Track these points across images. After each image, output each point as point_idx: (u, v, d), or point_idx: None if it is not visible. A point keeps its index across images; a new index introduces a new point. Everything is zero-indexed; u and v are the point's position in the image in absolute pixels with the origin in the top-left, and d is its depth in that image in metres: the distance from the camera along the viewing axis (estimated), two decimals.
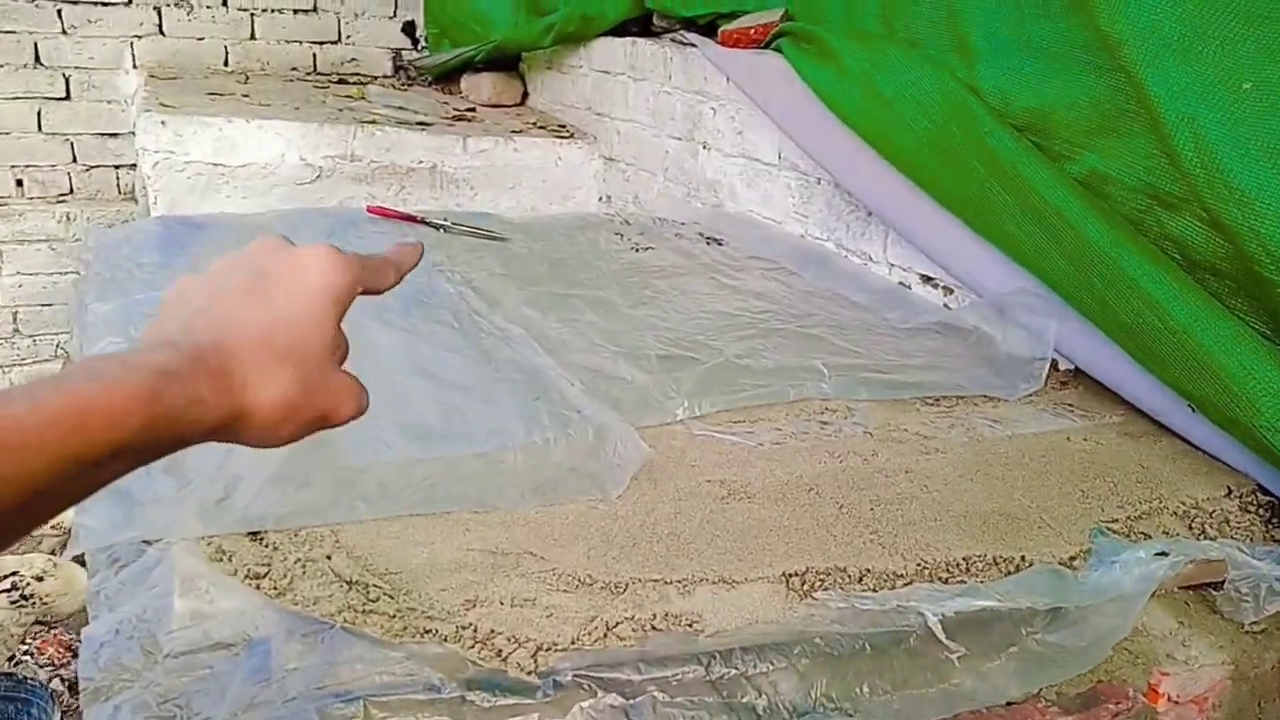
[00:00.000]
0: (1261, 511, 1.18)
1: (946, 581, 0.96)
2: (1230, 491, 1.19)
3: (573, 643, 0.82)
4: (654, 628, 0.85)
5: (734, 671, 0.84)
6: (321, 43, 3.94)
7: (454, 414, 1.20)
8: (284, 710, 0.73)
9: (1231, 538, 1.11)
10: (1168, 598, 1.07)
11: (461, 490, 1.03)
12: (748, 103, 2.24)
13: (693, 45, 2.45)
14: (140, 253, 1.81)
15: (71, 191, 3.72)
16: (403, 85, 3.91)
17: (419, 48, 4.09)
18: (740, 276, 1.91)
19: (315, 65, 3.94)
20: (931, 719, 0.87)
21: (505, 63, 3.66)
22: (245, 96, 3.18)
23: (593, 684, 0.79)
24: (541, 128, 3.21)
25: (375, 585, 0.84)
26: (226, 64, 3.80)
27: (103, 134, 3.71)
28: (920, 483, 1.15)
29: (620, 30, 2.91)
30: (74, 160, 3.70)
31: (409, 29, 4.05)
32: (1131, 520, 1.11)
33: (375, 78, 3.99)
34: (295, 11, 3.85)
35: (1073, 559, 1.02)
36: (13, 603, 2.64)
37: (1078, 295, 1.40)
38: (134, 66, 3.66)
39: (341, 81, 3.80)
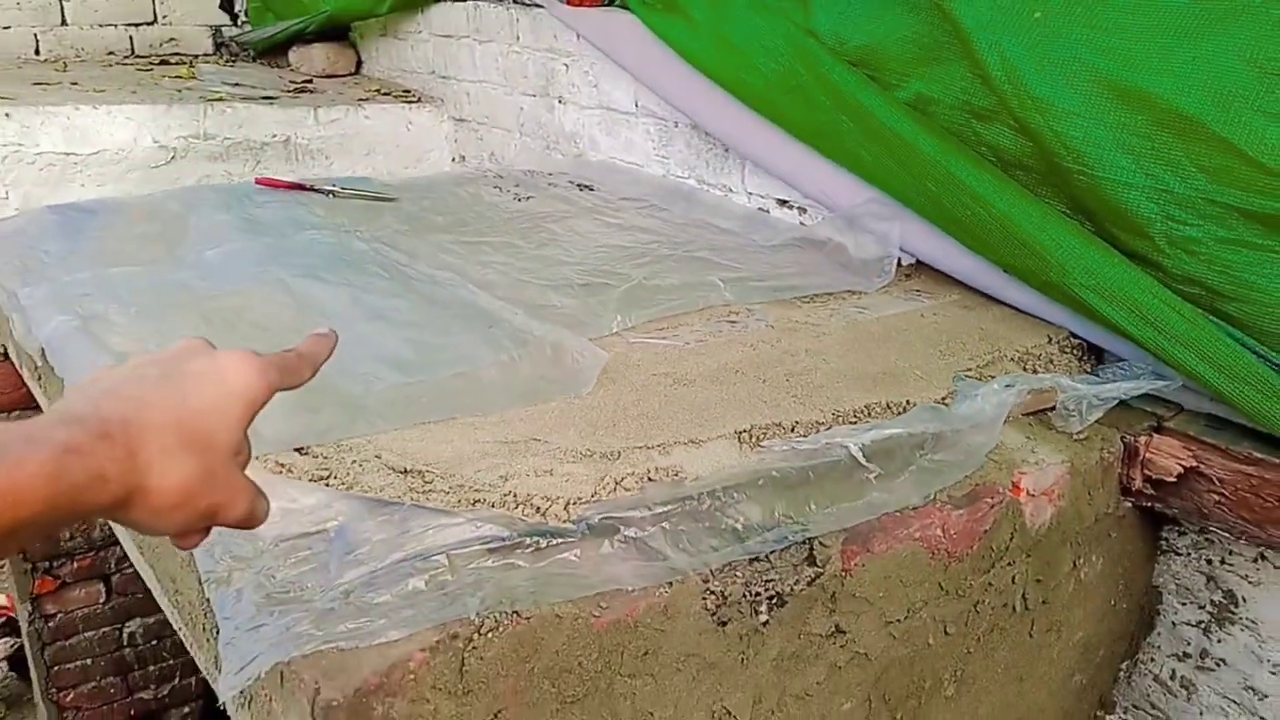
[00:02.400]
0: (1076, 351, 1.51)
1: (856, 423, 1.22)
2: (1050, 339, 1.51)
3: (592, 496, 1.02)
4: (649, 479, 1.06)
5: (714, 504, 1.06)
6: (137, 24, 3.85)
7: (421, 347, 1.36)
8: (382, 572, 0.90)
9: (1056, 372, 1.43)
10: (1016, 421, 1.37)
11: (456, 402, 1.21)
12: (600, 57, 2.44)
13: (539, 6, 2.62)
14: (42, 241, 1.84)
15: None
16: (227, 62, 3.87)
17: (239, 23, 4.05)
18: (619, 215, 2.13)
19: (133, 48, 3.85)
20: (860, 522, 1.13)
21: (336, 33, 3.69)
22: (75, 84, 3.11)
23: (615, 522, 1.00)
24: (386, 94, 3.29)
25: (426, 472, 1.02)
26: (38, 52, 3.67)
27: None
28: (818, 357, 1.41)
29: None
30: None
31: (227, 5, 4.00)
32: (980, 368, 1.40)
33: (196, 57, 3.93)
34: None
35: (944, 398, 1.31)
36: None
37: (915, 200, 1.69)
38: None
39: (164, 63, 3.73)
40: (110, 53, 3.80)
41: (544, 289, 1.60)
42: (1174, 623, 1.57)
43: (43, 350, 1.45)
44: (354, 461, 1.03)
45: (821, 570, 1.09)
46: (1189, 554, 1.54)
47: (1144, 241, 1.38)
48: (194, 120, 2.80)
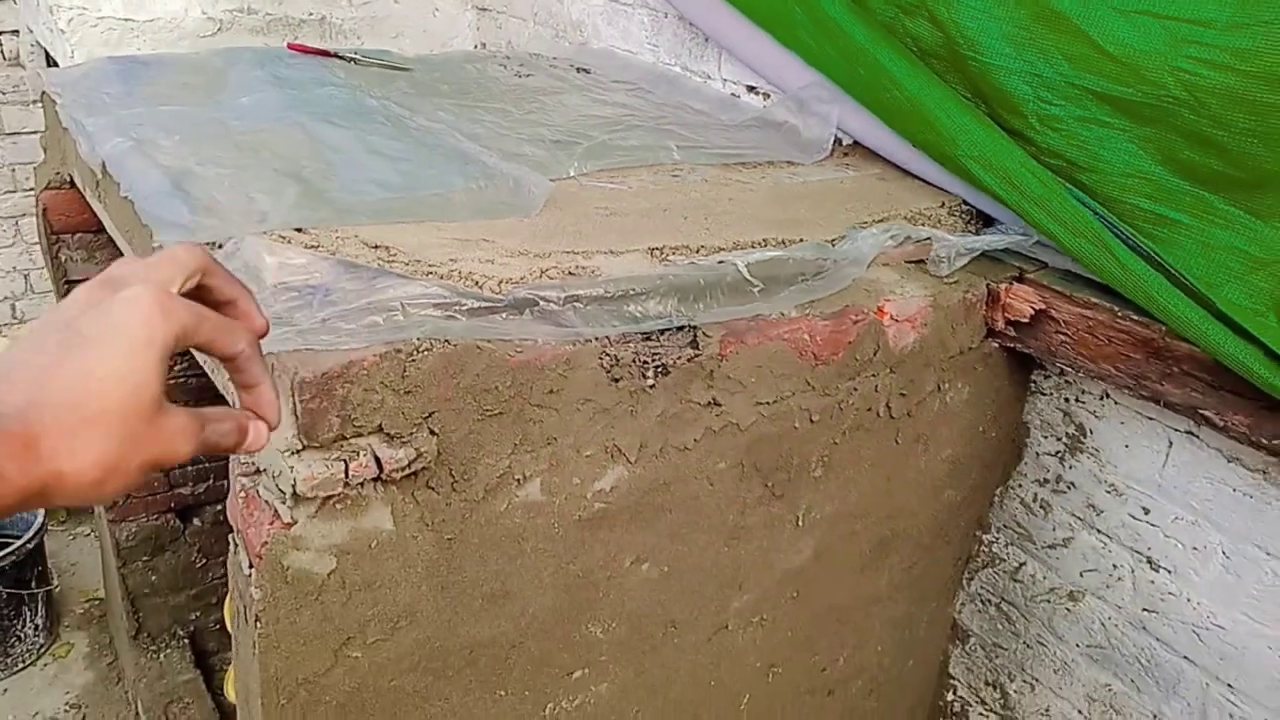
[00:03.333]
0: (964, 216, 1.77)
1: (752, 251, 1.50)
2: (944, 205, 1.77)
3: (521, 279, 1.32)
4: (570, 273, 1.36)
5: (619, 294, 1.35)
6: None
7: (407, 175, 1.65)
8: (352, 310, 1.21)
9: (940, 230, 1.69)
10: (896, 265, 1.64)
11: (427, 212, 1.50)
12: None
13: None
14: (103, 84, 2.14)
15: None
16: None
17: None
18: (606, 94, 2.39)
19: None
20: (738, 320, 1.41)
21: None
22: None
23: (536, 298, 1.29)
24: None
25: (392, 249, 1.31)
26: None
27: None
28: (739, 205, 1.68)
29: None
30: None
31: None
32: (875, 221, 1.67)
33: None
34: None
35: (833, 241, 1.58)
36: None
37: (850, 84, 1.94)
38: None
39: None
40: None
41: (520, 142, 1.88)
42: (1038, 453, 1.86)
43: (103, 164, 1.76)
44: (337, 238, 1.33)
45: (700, 353, 1.38)
46: (1051, 394, 1.81)
47: (1019, 119, 1.63)
48: None
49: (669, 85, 2.48)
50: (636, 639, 1.57)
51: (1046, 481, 1.85)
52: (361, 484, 1.17)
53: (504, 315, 1.27)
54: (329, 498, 1.16)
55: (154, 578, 2.64)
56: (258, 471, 1.19)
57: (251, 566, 1.19)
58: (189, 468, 2.63)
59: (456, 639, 1.36)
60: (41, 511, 2.97)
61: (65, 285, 2.30)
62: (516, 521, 1.33)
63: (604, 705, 1.59)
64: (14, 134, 3.99)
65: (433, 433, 1.20)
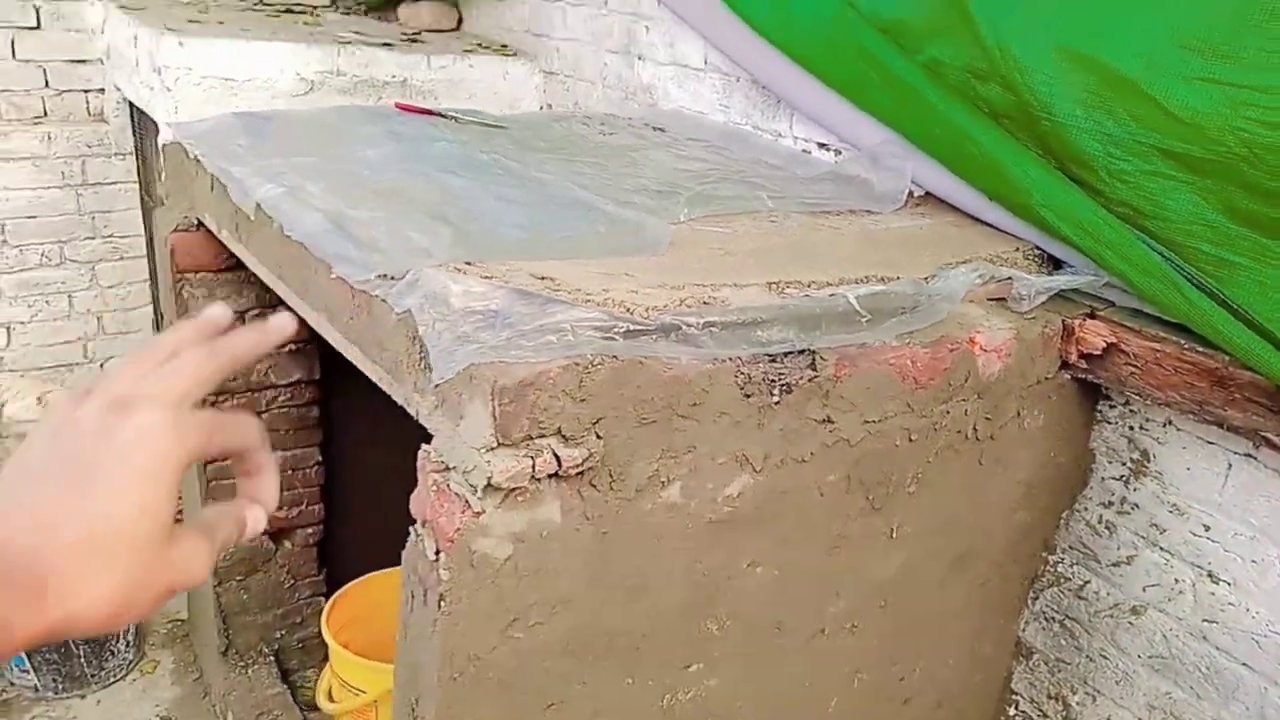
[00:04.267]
0: (1037, 259, 1.96)
1: (857, 285, 1.68)
2: (1018, 249, 1.96)
3: (664, 307, 1.49)
4: (704, 303, 1.54)
5: (751, 321, 1.53)
6: None
7: (540, 219, 1.85)
8: (529, 330, 1.38)
9: (1017, 271, 1.88)
10: (982, 302, 1.82)
11: (567, 250, 1.69)
12: (677, 21, 2.90)
13: None
14: (233, 137, 2.35)
15: (45, 114, 4.08)
16: (343, 13, 4.38)
17: None
18: (685, 150, 2.59)
19: None
20: (850, 345, 1.59)
21: None
22: (221, 23, 3.63)
23: (679, 323, 1.47)
24: (485, 48, 3.78)
25: (555, 280, 1.50)
26: None
27: (72, 60, 4.07)
28: (835, 247, 1.87)
29: None
30: (46, 85, 4.05)
31: None
32: (959, 262, 1.85)
33: (315, 8, 4.44)
34: None
35: (927, 279, 1.76)
36: None
37: (925, 142, 2.14)
38: None
39: (289, 11, 4.24)
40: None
41: (626, 192, 2.08)
42: (1103, 477, 2.02)
43: (257, 205, 1.95)
44: (506, 270, 1.52)
45: (819, 374, 1.55)
46: (1116, 423, 1.98)
47: (1090, 173, 1.82)
48: (330, 58, 3.31)
49: (742, 142, 2.69)
50: (747, 638, 1.72)
51: (1111, 504, 2.01)
52: (540, 479, 1.34)
53: (653, 337, 1.45)
54: (513, 490, 1.33)
55: (245, 597, 2.79)
56: (447, 469, 1.36)
57: (439, 552, 1.35)
58: (285, 493, 2.79)
59: (600, 626, 1.51)
60: None
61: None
62: (659, 520, 1.49)
63: (714, 699, 1.74)
64: (96, 184, 4.21)
65: (599, 436, 1.38)
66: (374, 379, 1.62)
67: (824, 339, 1.58)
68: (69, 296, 4.32)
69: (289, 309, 2.08)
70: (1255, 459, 1.77)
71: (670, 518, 1.50)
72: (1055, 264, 2.00)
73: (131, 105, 4.10)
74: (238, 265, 2.54)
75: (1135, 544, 1.98)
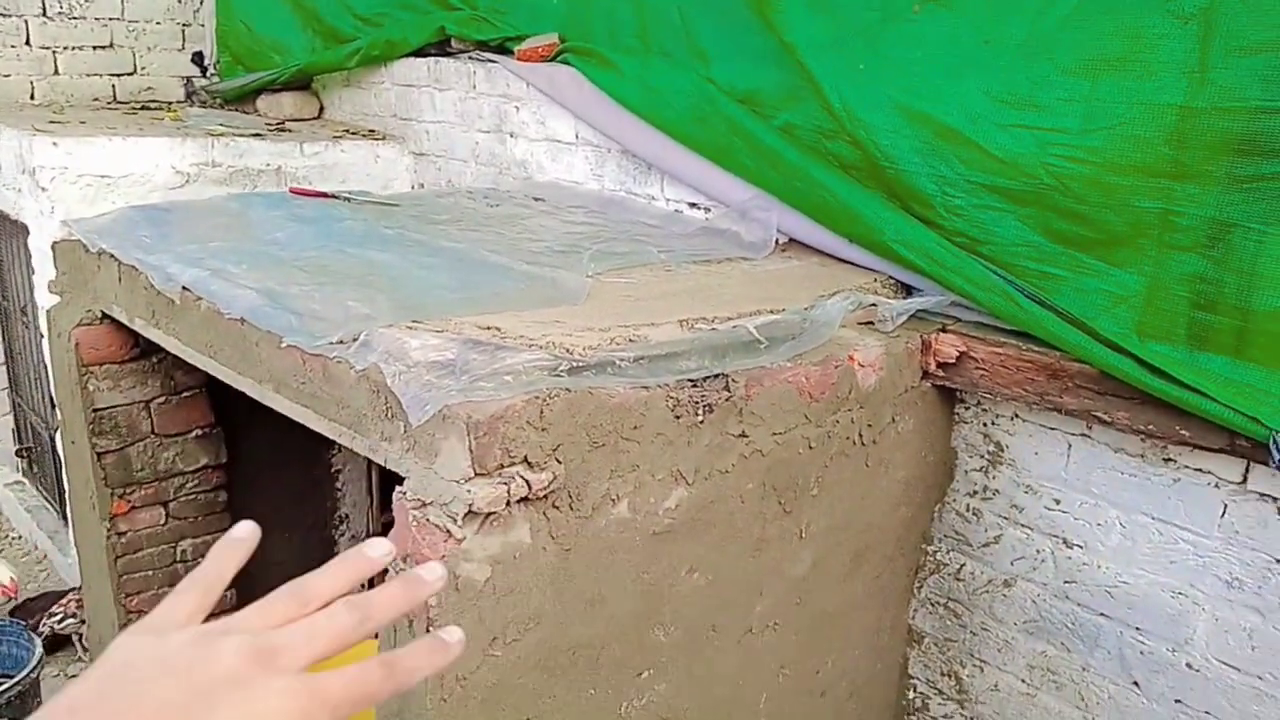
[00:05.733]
0: (892, 287, 2.27)
1: (752, 317, 1.94)
2: (876, 279, 2.27)
3: (597, 346, 1.70)
4: (630, 340, 1.75)
5: (671, 354, 1.75)
6: (119, 74, 4.39)
7: (463, 282, 2.03)
8: (485, 374, 1.56)
9: (879, 296, 2.18)
10: (853, 326, 2.11)
11: (497, 305, 1.87)
12: (546, 100, 3.15)
13: (494, 61, 3.32)
14: (137, 229, 2.43)
15: None
16: (199, 108, 4.44)
17: (208, 75, 4.62)
18: (570, 215, 2.83)
19: (115, 95, 4.38)
20: (755, 368, 1.83)
21: (300, 83, 4.31)
22: (83, 122, 3.66)
23: (612, 358, 1.68)
24: (354, 134, 3.93)
25: (498, 330, 1.68)
26: (33, 97, 4.17)
27: None
28: (725, 289, 2.12)
29: (418, 51, 3.71)
30: None
31: (198, 59, 4.58)
32: (830, 294, 2.14)
33: (170, 103, 4.49)
34: (95, 48, 4.29)
35: (807, 308, 2.04)
36: None
37: (786, 195, 2.44)
38: None
39: (144, 108, 4.29)
40: (95, 99, 4.33)
41: (533, 254, 2.29)
42: (966, 470, 2.33)
43: (183, 289, 2.05)
44: (453, 324, 1.69)
45: (733, 394, 1.79)
46: (972, 421, 2.30)
47: (930, 210, 2.15)
48: (204, 151, 3.39)
49: (618, 206, 2.94)
50: (688, 641, 1.91)
51: (975, 493, 2.32)
52: (513, 503, 1.51)
53: (593, 372, 1.65)
54: (490, 515, 1.49)
55: None
56: (424, 504, 1.51)
57: None
58: None
59: (565, 640, 1.68)
60: (38, 650, 3.03)
61: (93, 413, 2.51)
62: (612, 535, 1.68)
63: (662, 703, 1.91)
64: None
65: (559, 461, 1.56)
66: (331, 436, 1.75)
67: (732, 363, 1.82)
68: None
69: (216, 387, 2.18)
70: (1089, 437, 2.11)
71: (621, 532, 1.69)
72: (908, 290, 2.32)
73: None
74: (141, 355, 2.59)
75: (1000, 525, 2.29)
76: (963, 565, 2.38)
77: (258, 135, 3.65)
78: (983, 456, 2.30)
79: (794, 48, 2.32)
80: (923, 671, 2.53)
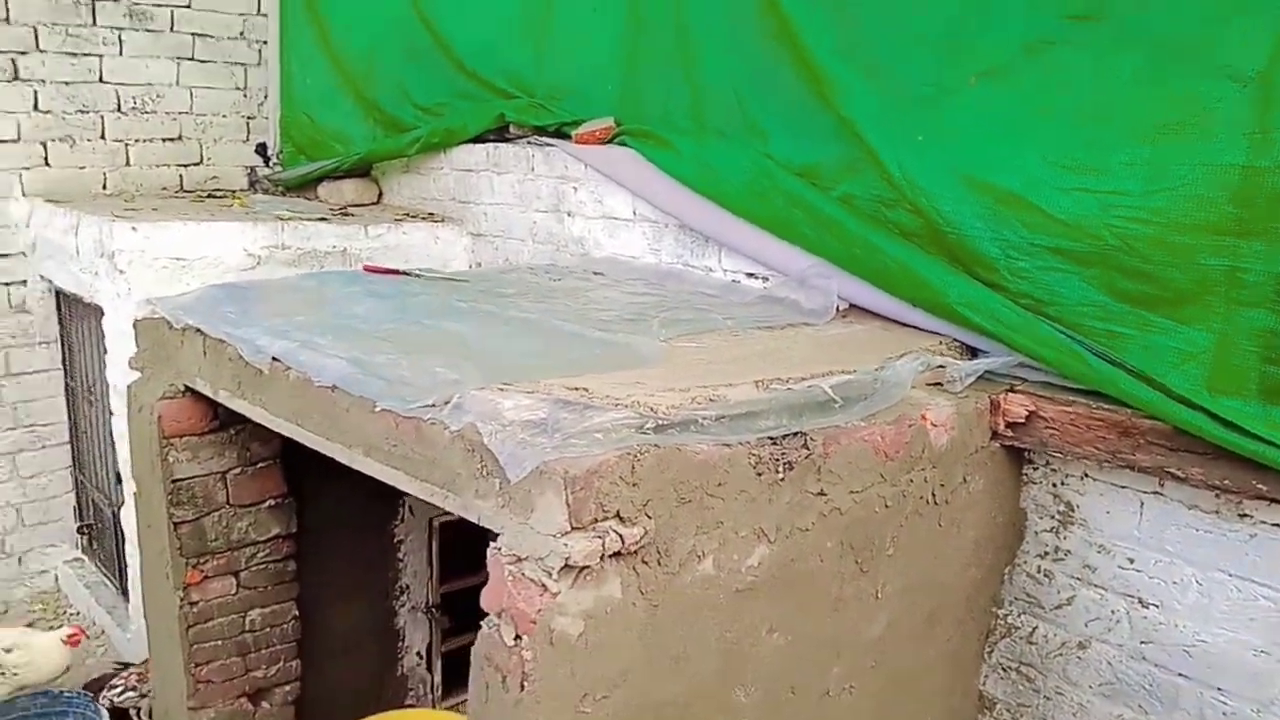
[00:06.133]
0: (957, 349, 2.31)
1: (825, 377, 1.98)
2: (941, 342, 2.31)
3: (679, 405, 1.75)
4: (710, 399, 1.80)
5: (751, 413, 1.80)
6: (186, 164, 4.59)
7: (542, 349, 2.09)
8: (576, 431, 1.61)
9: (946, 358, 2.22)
10: (923, 386, 2.15)
11: (578, 369, 1.93)
12: (603, 180, 3.27)
13: (552, 145, 3.45)
14: (220, 306, 2.52)
15: None
16: (264, 194, 4.62)
17: (269, 164, 4.81)
18: (631, 287, 2.90)
19: (182, 184, 4.57)
20: (832, 427, 1.87)
21: (360, 170, 4.48)
22: (155, 209, 3.82)
23: (695, 417, 1.72)
24: (413, 217, 4.07)
25: (585, 390, 1.73)
26: (105, 187, 4.36)
27: None
28: (794, 352, 2.17)
29: (477, 138, 3.85)
30: None
31: (261, 150, 4.77)
32: (897, 356, 2.18)
33: (234, 192, 4.67)
34: (164, 140, 4.49)
35: (877, 369, 2.08)
36: None
37: (847, 262, 2.51)
38: (23, 194, 4.15)
39: (211, 196, 4.46)
40: (164, 188, 4.51)
41: (603, 322, 2.35)
42: (1036, 531, 2.33)
43: (273, 360, 2.13)
44: (541, 385, 1.75)
45: (812, 452, 1.82)
46: (1041, 482, 2.31)
47: (994, 273, 2.21)
48: (274, 234, 3.52)
49: (676, 279, 3.02)
50: (767, 703, 1.91)
51: (1046, 554, 2.32)
52: (605, 557, 1.54)
53: (677, 430, 1.70)
54: (583, 569, 1.52)
55: None
56: (519, 559, 1.55)
57: (519, 636, 1.53)
58: (264, 650, 2.83)
59: (651, 698, 1.69)
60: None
61: (172, 484, 2.58)
62: (696, 592, 1.70)
63: None
64: (19, 374, 4.21)
65: (649, 516, 1.60)
66: (423, 496, 1.79)
67: (808, 422, 1.85)
68: None
69: (287, 457, 2.24)
70: (1162, 494, 2.11)
71: (706, 589, 1.71)
72: (972, 352, 2.35)
73: (59, 294, 4.18)
74: (220, 427, 2.67)
75: (1072, 585, 2.28)
76: (1035, 628, 2.36)
77: (323, 219, 3.79)
78: (1053, 517, 2.30)
79: (852, 122, 2.41)
80: None
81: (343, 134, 4.42)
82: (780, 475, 1.78)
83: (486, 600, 1.59)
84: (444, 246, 3.93)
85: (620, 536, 1.54)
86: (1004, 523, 2.33)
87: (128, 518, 3.65)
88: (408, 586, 3.26)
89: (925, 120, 2.30)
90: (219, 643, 2.73)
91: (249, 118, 4.74)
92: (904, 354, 2.18)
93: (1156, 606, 2.15)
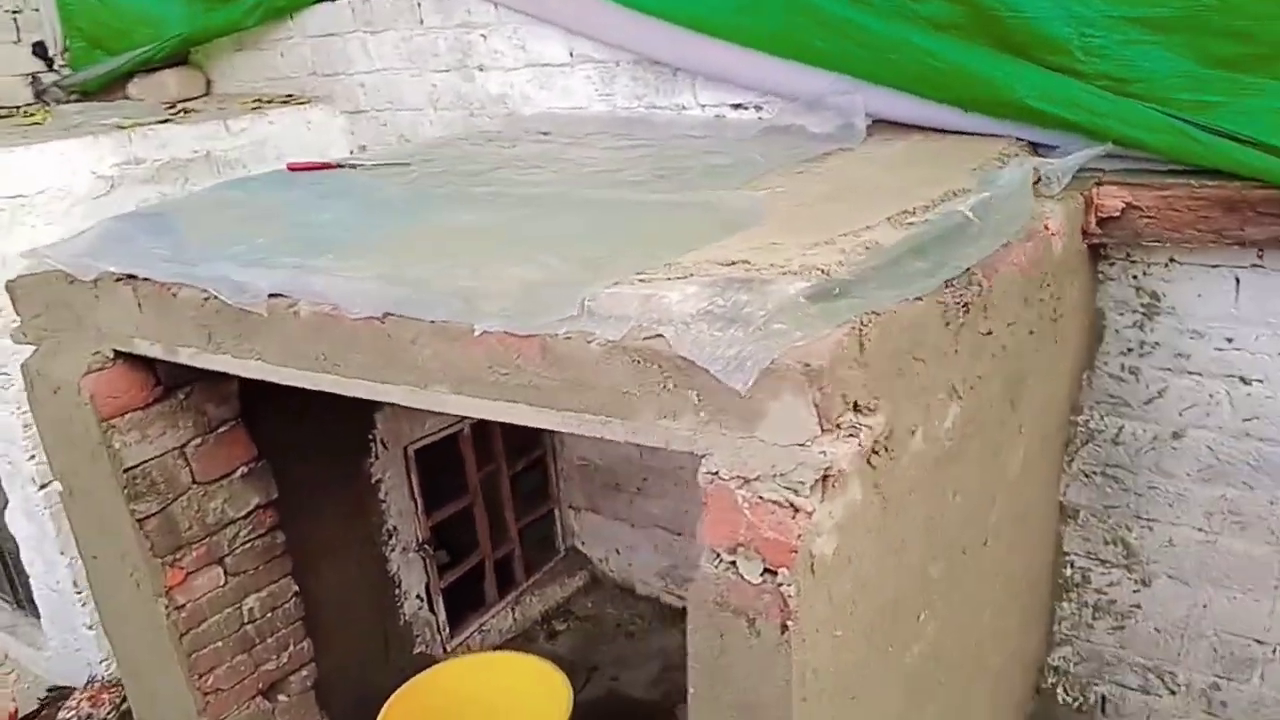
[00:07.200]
0: (1027, 149, 2.09)
1: (945, 201, 1.72)
2: (1009, 144, 2.08)
3: (842, 261, 1.45)
4: (867, 248, 1.50)
5: (907, 251, 1.52)
6: None
7: (615, 226, 1.72)
8: (769, 311, 1.29)
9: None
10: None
11: (684, 243, 1.58)
12: (525, 20, 2.79)
13: None
14: (134, 244, 1.96)
15: None
16: (60, 104, 3.79)
17: (54, 67, 3.95)
18: (602, 142, 2.48)
19: None
20: (985, 257, 1.62)
21: (178, 58, 3.72)
22: None
23: (868, 269, 1.43)
24: (268, 102, 3.42)
25: (746, 261, 1.40)
26: None
27: None
28: (876, 180, 1.89)
29: None
30: None
31: (40, 50, 3.89)
32: (981, 165, 1.94)
33: (20, 107, 3.81)
34: None
35: (990, 181, 1.83)
36: None
37: (875, 72, 2.21)
38: None
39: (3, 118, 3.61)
40: None
41: (634, 185, 1.98)
42: (1117, 329, 2.21)
43: (269, 296, 1.66)
44: (680, 267, 1.40)
45: (980, 288, 1.58)
46: (1119, 277, 2.17)
47: (1065, 56, 1.97)
48: (122, 148, 2.85)
49: (643, 124, 2.63)
50: (949, 572, 1.72)
51: (1131, 350, 2.21)
52: (856, 459, 1.26)
53: (864, 289, 1.40)
54: (827, 478, 1.24)
55: None
56: (747, 482, 1.25)
57: (768, 571, 1.24)
58: (270, 639, 2.41)
59: (880, 600, 1.46)
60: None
61: (125, 473, 2.06)
62: (911, 473, 1.45)
63: (933, 646, 1.72)
64: None
65: (876, 399, 1.32)
66: (564, 429, 1.43)
67: (958, 252, 1.60)
68: None
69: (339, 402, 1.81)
70: (1261, 266, 2.01)
71: (913, 467, 1.47)
72: (1034, 148, 2.14)
73: None
74: (165, 394, 2.15)
75: (1163, 378, 2.19)
76: (1121, 428, 2.28)
77: (168, 121, 3.12)
78: (1136, 311, 2.18)
79: None
80: (1080, 545, 2.44)
81: (148, 15, 3.62)
82: (961, 321, 1.53)
83: (712, 535, 1.29)
84: (319, 132, 3.34)
85: (870, 429, 1.26)
86: (1084, 327, 2.19)
87: (15, 521, 3.03)
88: (395, 529, 2.87)
89: None
90: (219, 644, 2.29)
91: (14, 12, 3.83)
92: (982, 163, 1.94)
93: (1260, 381, 2.09)
